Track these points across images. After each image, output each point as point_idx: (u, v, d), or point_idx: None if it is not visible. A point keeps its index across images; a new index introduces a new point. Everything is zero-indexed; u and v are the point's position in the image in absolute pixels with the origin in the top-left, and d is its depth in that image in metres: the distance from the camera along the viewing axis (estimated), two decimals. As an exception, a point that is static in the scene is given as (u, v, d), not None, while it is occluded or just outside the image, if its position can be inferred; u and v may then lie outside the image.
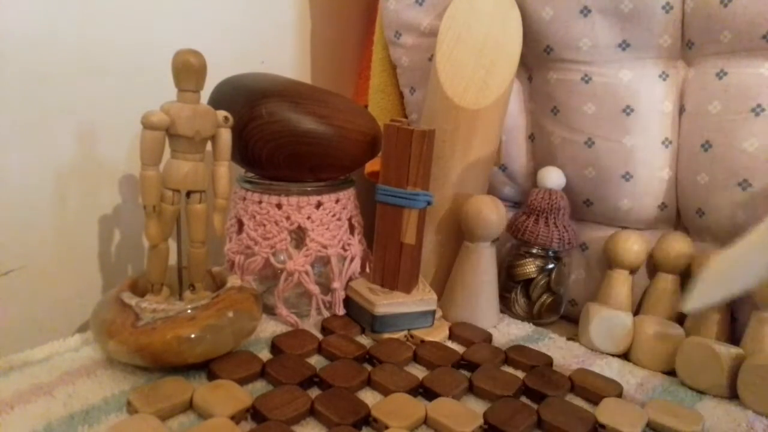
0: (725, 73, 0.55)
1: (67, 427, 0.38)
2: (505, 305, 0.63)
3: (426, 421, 0.41)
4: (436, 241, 0.62)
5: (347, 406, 0.41)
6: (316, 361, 0.49)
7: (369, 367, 0.48)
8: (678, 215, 0.62)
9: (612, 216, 0.63)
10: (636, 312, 0.59)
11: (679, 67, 0.59)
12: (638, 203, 0.61)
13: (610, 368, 0.51)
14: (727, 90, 0.55)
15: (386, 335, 0.54)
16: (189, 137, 0.45)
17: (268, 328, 0.54)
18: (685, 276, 0.58)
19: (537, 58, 0.63)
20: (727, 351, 0.47)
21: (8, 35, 0.50)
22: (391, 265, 0.56)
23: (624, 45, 0.58)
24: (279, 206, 0.55)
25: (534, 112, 0.67)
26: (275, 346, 0.50)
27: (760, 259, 0.39)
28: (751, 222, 0.55)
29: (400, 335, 0.54)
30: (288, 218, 0.55)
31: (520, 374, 0.49)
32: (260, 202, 0.55)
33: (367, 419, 0.41)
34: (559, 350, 0.54)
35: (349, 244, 0.58)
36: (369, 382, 0.46)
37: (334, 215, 0.57)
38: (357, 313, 0.56)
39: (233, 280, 0.51)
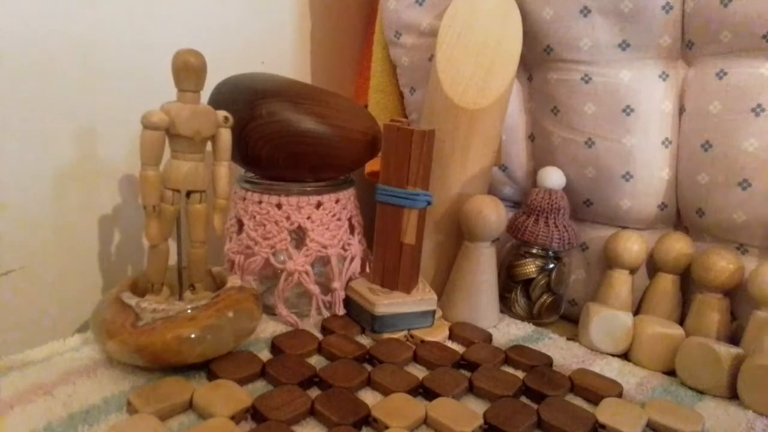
0: (725, 73, 0.55)
1: (67, 427, 0.38)
2: (505, 305, 0.63)
3: (426, 421, 0.41)
4: (436, 241, 0.62)
5: (347, 406, 0.41)
6: (316, 361, 0.49)
7: (369, 367, 0.48)
8: (678, 215, 0.62)
9: (612, 216, 0.63)
10: (636, 312, 0.59)
11: (679, 67, 0.59)
12: (638, 203, 0.61)
13: (610, 368, 0.51)
14: (727, 90, 0.55)
15: (386, 335, 0.54)
16: (189, 137, 0.45)
17: (268, 328, 0.54)
18: (685, 276, 0.58)
19: (537, 58, 0.63)
20: (727, 351, 0.47)
21: (8, 35, 0.50)
22: (391, 265, 0.56)
23: (624, 45, 0.58)
24: (279, 206, 0.55)
25: (534, 112, 0.67)
26: (275, 346, 0.50)
27: None
28: (752, 222, 0.55)
29: (400, 335, 0.54)
30: (288, 218, 0.55)
31: (520, 374, 0.49)
32: (260, 202, 0.55)
33: (367, 419, 0.41)
34: (559, 350, 0.54)
35: (349, 244, 0.58)
36: (369, 382, 0.46)
37: (334, 215, 0.57)
38: (357, 313, 0.56)
39: (233, 280, 0.51)
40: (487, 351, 0.52)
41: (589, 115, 0.60)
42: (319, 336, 0.53)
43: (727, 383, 0.47)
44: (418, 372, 0.48)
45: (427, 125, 0.59)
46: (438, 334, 0.55)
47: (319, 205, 0.56)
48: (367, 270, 0.61)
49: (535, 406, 0.44)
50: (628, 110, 0.59)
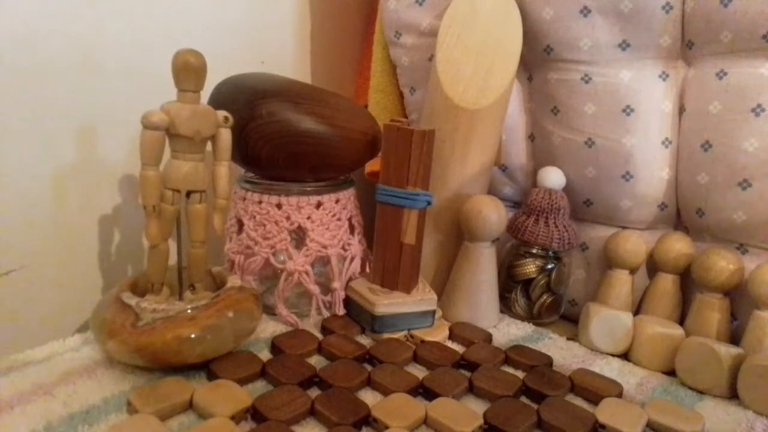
0: (725, 73, 0.55)
1: (67, 427, 0.38)
2: (505, 305, 0.63)
3: (426, 421, 0.41)
4: (436, 241, 0.62)
5: (347, 406, 0.41)
6: (316, 361, 0.49)
7: (369, 367, 0.48)
8: (678, 215, 0.62)
9: (612, 216, 0.63)
10: (636, 312, 0.59)
11: (679, 67, 0.59)
12: (638, 203, 0.61)
13: (610, 368, 0.51)
14: (727, 90, 0.55)
15: (386, 335, 0.54)
16: (189, 137, 0.45)
17: (268, 328, 0.54)
18: (685, 276, 0.58)
19: (537, 58, 0.63)
20: (727, 351, 0.47)
21: (8, 35, 0.50)
22: (391, 265, 0.56)
23: (624, 45, 0.58)
24: (279, 206, 0.55)
25: (534, 112, 0.67)
26: (275, 346, 0.50)
27: None
28: (751, 222, 0.55)
29: (400, 335, 0.54)
30: (288, 218, 0.55)
31: (520, 374, 0.49)
32: (260, 202, 0.55)
33: (367, 419, 0.41)
34: (559, 350, 0.54)
35: (349, 244, 0.58)
36: (369, 382, 0.46)
37: (334, 215, 0.57)
38: (357, 313, 0.56)
39: (233, 280, 0.51)
40: (487, 351, 0.52)
41: (589, 115, 0.60)
42: (319, 336, 0.53)
43: (727, 383, 0.47)
44: (418, 372, 0.48)
45: (427, 125, 0.59)
46: (438, 334, 0.55)
47: (319, 205, 0.56)
48: (367, 270, 0.61)
49: (535, 406, 0.44)
50: (628, 110, 0.59)
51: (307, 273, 0.55)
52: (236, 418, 0.40)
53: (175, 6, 0.62)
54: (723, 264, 0.53)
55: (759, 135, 0.53)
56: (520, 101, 0.67)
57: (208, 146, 0.48)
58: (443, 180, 0.60)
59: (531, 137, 0.68)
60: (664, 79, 0.59)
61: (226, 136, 0.48)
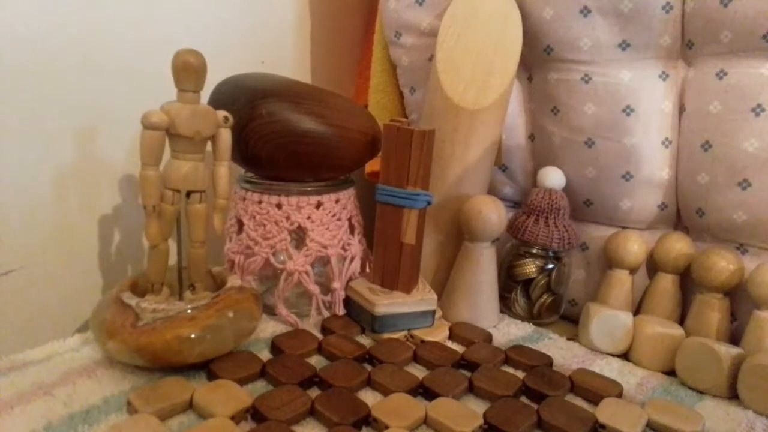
0: (725, 73, 0.55)
1: (67, 427, 0.38)
2: (505, 305, 0.63)
3: (426, 421, 0.41)
4: (436, 241, 0.62)
5: (347, 406, 0.41)
6: (316, 361, 0.49)
7: (369, 367, 0.48)
8: (678, 215, 0.62)
9: (612, 216, 0.63)
10: (636, 312, 0.59)
11: (679, 67, 0.59)
12: (638, 203, 0.61)
13: (610, 368, 0.51)
14: (727, 90, 0.55)
15: (386, 335, 0.54)
16: (189, 137, 0.45)
17: (268, 328, 0.54)
18: (685, 276, 0.58)
19: (537, 58, 0.63)
20: (727, 351, 0.47)
21: (8, 35, 0.50)
22: (391, 265, 0.56)
23: (624, 45, 0.58)
24: (279, 206, 0.55)
25: (534, 112, 0.67)
26: (275, 346, 0.50)
27: None
28: (752, 222, 0.55)
29: (400, 335, 0.54)
30: (288, 218, 0.55)
31: (520, 374, 0.49)
32: (260, 202, 0.55)
33: (367, 419, 0.41)
34: (559, 350, 0.54)
35: (349, 244, 0.58)
36: (369, 382, 0.46)
37: (334, 215, 0.57)
38: (357, 313, 0.56)
39: (233, 280, 0.51)
40: (487, 351, 0.52)
41: (589, 115, 0.60)
42: (319, 336, 0.53)
43: (727, 383, 0.47)
44: (418, 372, 0.48)
45: (427, 125, 0.59)
46: (438, 334, 0.55)
47: (319, 205, 0.56)
48: (367, 270, 0.61)
49: (535, 406, 0.44)
50: (628, 110, 0.59)
51: (307, 273, 0.55)
52: (236, 418, 0.40)
53: (175, 6, 0.62)
54: (723, 264, 0.53)
55: (759, 135, 0.53)
56: (520, 101, 0.67)
57: (208, 146, 0.48)
58: (443, 180, 0.60)
59: (531, 137, 0.68)
60: (664, 79, 0.59)
61: (226, 136, 0.48)
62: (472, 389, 0.46)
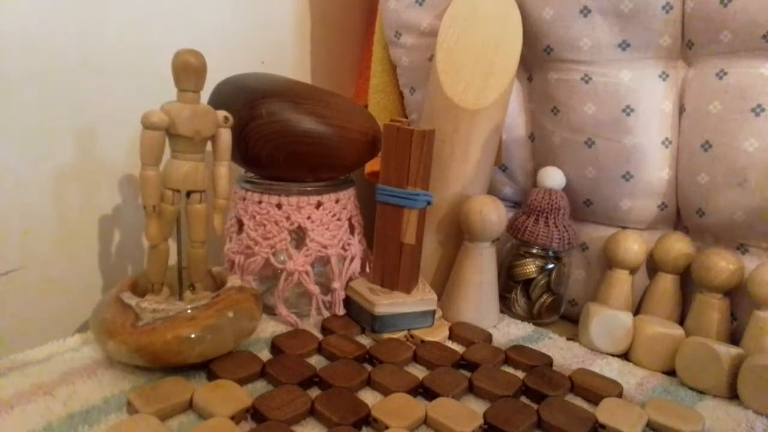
0: (725, 73, 0.55)
1: (67, 427, 0.38)
2: (505, 305, 0.63)
3: (426, 421, 0.41)
4: (436, 241, 0.62)
5: (347, 406, 0.41)
6: (316, 361, 0.49)
7: (369, 367, 0.48)
8: (678, 215, 0.62)
9: (612, 216, 0.63)
10: (636, 312, 0.59)
11: (679, 67, 0.59)
12: (638, 203, 0.61)
13: (610, 368, 0.51)
14: (727, 90, 0.55)
15: (386, 335, 0.54)
16: (189, 137, 0.45)
17: (268, 328, 0.54)
18: (685, 276, 0.58)
19: (537, 58, 0.63)
20: (727, 351, 0.47)
21: (8, 35, 0.50)
22: (391, 265, 0.56)
23: (624, 45, 0.58)
24: (279, 206, 0.55)
25: (534, 112, 0.67)
26: (275, 346, 0.50)
27: None
28: (751, 222, 0.55)
29: (400, 335, 0.54)
30: (288, 218, 0.55)
31: (520, 374, 0.49)
32: (260, 202, 0.55)
33: (367, 419, 0.41)
34: (559, 350, 0.54)
35: (349, 244, 0.58)
36: (369, 382, 0.46)
37: (334, 215, 0.57)
38: (357, 313, 0.56)
39: (233, 280, 0.51)
40: (487, 351, 0.52)
41: (589, 115, 0.60)
42: (319, 336, 0.53)
43: (727, 383, 0.47)
44: (418, 372, 0.48)
45: (427, 125, 0.59)
46: (438, 334, 0.55)
47: (319, 205, 0.56)
48: (367, 270, 0.61)
49: (535, 406, 0.44)
50: (628, 110, 0.59)
51: (307, 273, 0.55)
52: (236, 418, 0.40)
53: (175, 6, 0.62)
54: (723, 264, 0.53)
55: (759, 135, 0.53)
56: (520, 101, 0.67)
57: (208, 146, 0.48)
58: (443, 180, 0.60)
59: (531, 137, 0.68)
60: (664, 79, 0.59)
61: (226, 136, 0.48)
62: (472, 389, 0.46)
